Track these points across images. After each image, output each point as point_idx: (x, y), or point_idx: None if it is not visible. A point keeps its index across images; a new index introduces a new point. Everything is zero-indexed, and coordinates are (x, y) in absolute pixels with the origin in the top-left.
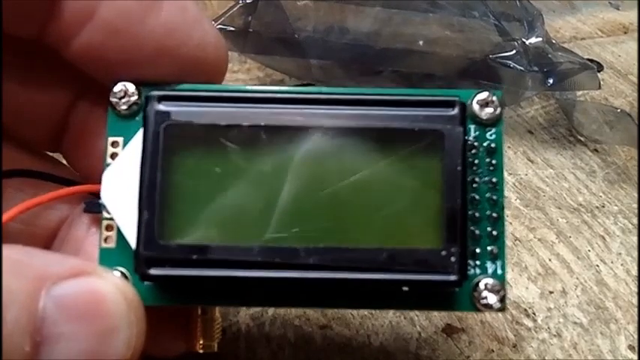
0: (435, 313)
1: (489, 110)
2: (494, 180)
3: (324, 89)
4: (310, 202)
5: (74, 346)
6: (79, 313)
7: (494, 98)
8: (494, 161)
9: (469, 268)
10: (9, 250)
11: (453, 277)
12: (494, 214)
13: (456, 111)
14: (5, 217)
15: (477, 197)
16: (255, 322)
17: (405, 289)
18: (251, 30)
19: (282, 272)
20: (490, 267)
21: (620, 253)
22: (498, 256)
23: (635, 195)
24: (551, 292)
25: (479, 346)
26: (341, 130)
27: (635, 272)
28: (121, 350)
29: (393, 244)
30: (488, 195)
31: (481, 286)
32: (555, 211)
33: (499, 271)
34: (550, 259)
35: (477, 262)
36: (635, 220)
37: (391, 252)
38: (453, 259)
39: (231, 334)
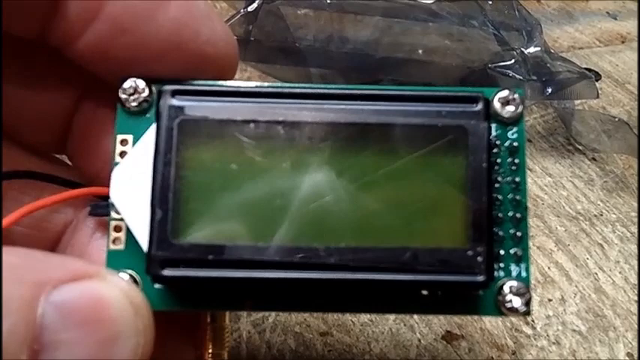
0: (435, 320)
1: (511, 108)
2: (516, 180)
3: (343, 85)
4: (330, 199)
5: (75, 355)
6: (80, 320)
7: (516, 96)
8: (516, 160)
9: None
10: (7, 254)
11: (479, 278)
12: (518, 215)
13: (479, 106)
14: (7, 220)
15: (500, 198)
16: (257, 328)
17: (425, 292)
18: (252, 39)
19: (301, 273)
20: (514, 270)
21: (618, 261)
22: (522, 259)
23: (633, 203)
24: (550, 300)
25: (478, 354)
26: (361, 126)
27: (632, 280)
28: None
29: (416, 243)
30: (510, 196)
31: (505, 289)
32: (554, 219)
33: (523, 274)
34: (549, 267)
35: (501, 265)
36: (632, 228)
37: (415, 251)
38: (479, 259)
39: (233, 340)
